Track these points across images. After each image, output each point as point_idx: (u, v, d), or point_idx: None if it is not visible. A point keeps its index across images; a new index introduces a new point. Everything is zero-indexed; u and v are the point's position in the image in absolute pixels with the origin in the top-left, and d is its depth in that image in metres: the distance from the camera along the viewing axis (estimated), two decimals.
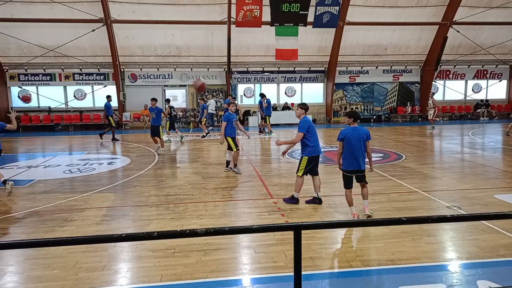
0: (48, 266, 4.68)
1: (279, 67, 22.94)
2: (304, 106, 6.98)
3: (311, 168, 6.92)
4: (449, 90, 24.79)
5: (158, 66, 21.83)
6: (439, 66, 23.01)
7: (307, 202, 7.00)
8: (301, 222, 2.07)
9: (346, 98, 23.95)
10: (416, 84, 24.34)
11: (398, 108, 24.24)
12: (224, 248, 5.16)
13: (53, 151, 13.70)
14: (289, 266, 4.62)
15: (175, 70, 22.14)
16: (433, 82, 23.83)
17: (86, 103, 21.91)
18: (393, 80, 24.10)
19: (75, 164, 11.37)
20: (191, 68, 22.13)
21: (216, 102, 20.84)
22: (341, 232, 5.63)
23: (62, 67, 21.13)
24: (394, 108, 24.30)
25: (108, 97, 16.56)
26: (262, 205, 7.10)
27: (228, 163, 9.92)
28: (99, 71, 21.52)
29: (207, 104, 17.53)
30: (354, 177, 6.18)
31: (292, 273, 4.34)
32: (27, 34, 19.20)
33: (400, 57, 23.36)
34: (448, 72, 24.39)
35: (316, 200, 6.95)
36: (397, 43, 22.68)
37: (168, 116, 15.44)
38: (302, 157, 6.89)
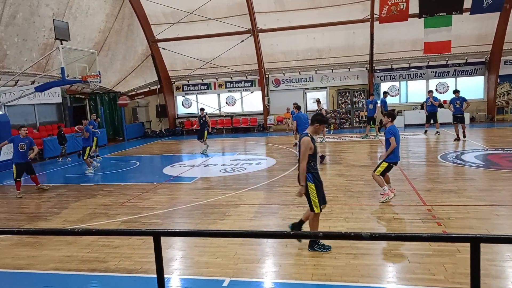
0: (213, 254, 5.30)
1: (428, 62, 20.98)
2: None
3: None
4: None
5: (299, 70, 22.44)
6: None
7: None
8: (480, 234, 1.87)
9: None
10: None
11: None
12: (374, 254, 5.01)
13: (210, 152, 15.39)
14: (450, 280, 4.22)
15: (315, 73, 22.40)
16: None
17: (235, 109, 23.98)
18: None
19: (229, 164, 12.56)
20: (332, 69, 22.05)
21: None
22: None
23: (216, 77, 23.60)
24: None
25: (385, 93, 18.00)
26: (414, 211, 6.63)
27: None
28: (246, 78, 23.30)
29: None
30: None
31: None
32: (189, 49, 22.07)
33: None
34: None
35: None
36: None
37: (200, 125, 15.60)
38: None
